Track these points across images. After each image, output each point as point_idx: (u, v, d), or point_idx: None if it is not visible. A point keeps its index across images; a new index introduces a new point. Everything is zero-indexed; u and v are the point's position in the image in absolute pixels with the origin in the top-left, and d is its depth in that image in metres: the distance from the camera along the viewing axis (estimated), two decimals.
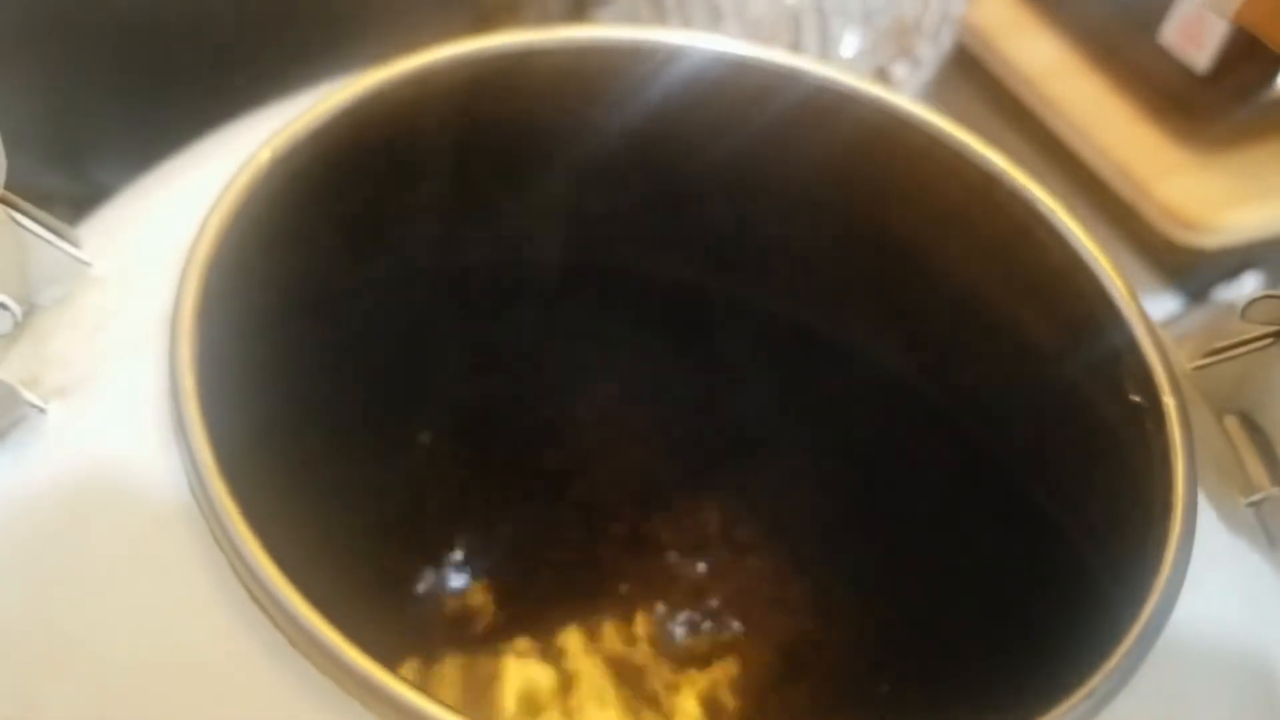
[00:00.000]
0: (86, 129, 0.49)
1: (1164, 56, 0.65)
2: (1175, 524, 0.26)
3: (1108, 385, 0.31)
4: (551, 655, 0.37)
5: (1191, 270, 0.65)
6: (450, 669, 0.34)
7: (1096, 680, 0.24)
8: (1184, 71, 0.64)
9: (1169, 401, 0.28)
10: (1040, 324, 0.34)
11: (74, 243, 0.29)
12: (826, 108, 0.35)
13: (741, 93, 0.37)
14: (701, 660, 0.39)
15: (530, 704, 0.36)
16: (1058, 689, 0.24)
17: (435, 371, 0.37)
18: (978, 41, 0.70)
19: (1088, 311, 0.31)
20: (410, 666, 0.35)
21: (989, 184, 0.33)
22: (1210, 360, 0.32)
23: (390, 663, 0.22)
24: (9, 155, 0.26)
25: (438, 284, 0.38)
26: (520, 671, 0.35)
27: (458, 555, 0.37)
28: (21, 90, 0.46)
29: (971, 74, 0.70)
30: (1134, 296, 0.31)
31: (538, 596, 0.38)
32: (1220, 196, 0.63)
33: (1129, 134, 0.66)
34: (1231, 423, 0.32)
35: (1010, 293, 0.35)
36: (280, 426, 0.32)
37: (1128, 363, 0.30)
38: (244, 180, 0.28)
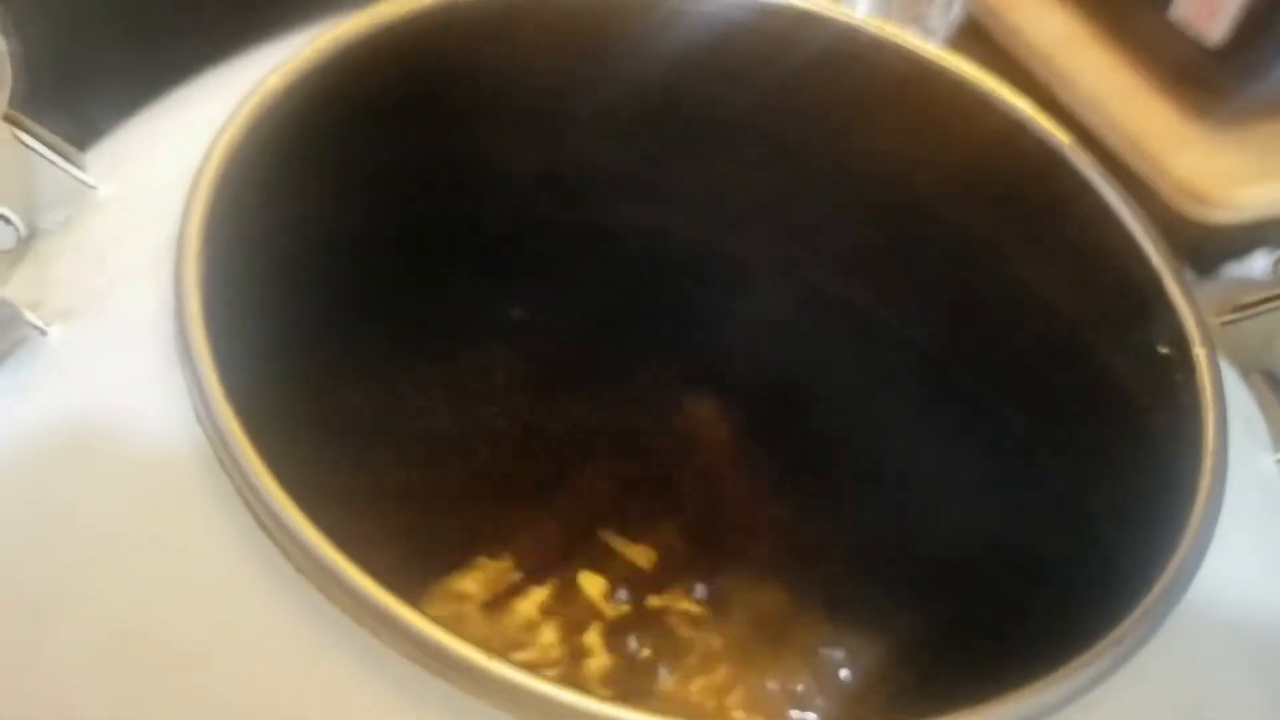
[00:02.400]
0: (88, 72, 0.48)
1: (1177, 30, 0.64)
2: (1205, 476, 0.26)
3: (1136, 339, 0.31)
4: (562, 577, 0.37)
5: (1202, 247, 0.64)
6: (459, 593, 0.33)
7: (1121, 631, 0.24)
8: (1197, 45, 0.63)
9: (1200, 352, 0.28)
10: (1066, 279, 0.33)
11: (80, 166, 0.28)
12: (850, 54, 0.35)
13: (761, 39, 0.36)
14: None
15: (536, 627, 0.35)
16: (1084, 642, 0.23)
17: (437, 301, 0.37)
18: (988, 13, 0.69)
19: (1116, 263, 0.31)
20: (419, 592, 0.35)
21: (1016, 131, 0.32)
22: (1237, 316, 0.31)
23: (397, 590, 0.21)
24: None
25: (436, 224, 0.37)
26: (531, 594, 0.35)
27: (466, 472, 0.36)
28: (23, 30, 0.45)
29: (982, 46, 0.69)
30: (1163, 247, 0.30)
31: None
32: (1233, 172, 0.62)
33: (1141, 108, 0.65)
34: (1258, 381, 0.32)
35: (1034, 247, 0.34)
36: (286, 350, 0.31)
37: (1157, 314, 0.29)
38: (253, 105, 0.27)
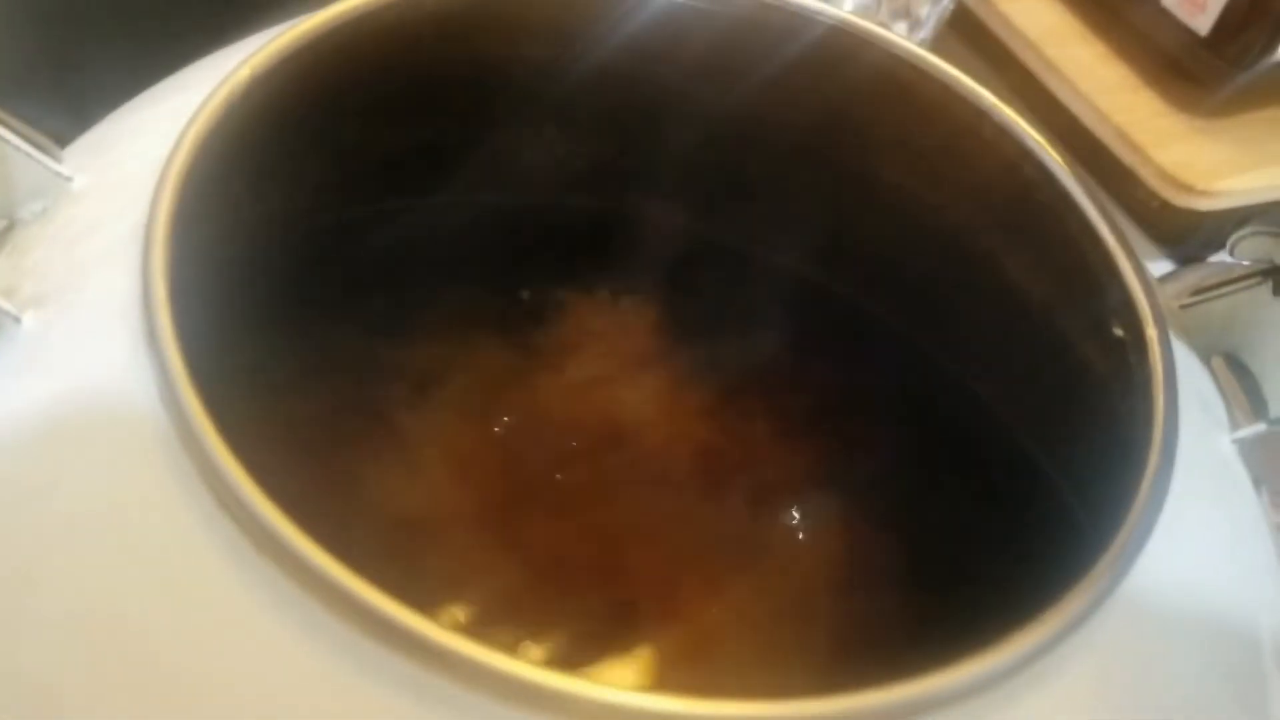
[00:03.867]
0: (76, 68, 0.48)
1: (1165, 20, 0.64)
2: (1153, 453, 0.26)
3: (1091, 321, 0.31)
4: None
5: (1187, 237, 0.65)
6: (425, 571, 0.34)
7: (1064, 607, 0.24)
8: (1185, 35, 0.64)
9: (1151, 333, 0.28)
10: (1025, 263, 0.34)
11: (56, 158, 0.29)
12: (824, 47, 0.35)
13: (738, 33, 0.36)
14: None
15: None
16: (1024, 621, 0.24)
17: (411, 293, 0.37)
18: (978, 2, 0.69)
19: (1073, 247, 0.31)
20: (380, 570, 0.35)
21: (978, 120, 0.33)
22: (1198, 299, 0.32)
23: (361, 568, 0.22)
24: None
25: (412, 217, 0.37)
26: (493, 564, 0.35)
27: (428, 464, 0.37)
28: (12, 26, 0.46)
29: (971, 35, 0.70)
30: (1119, 232, 0.30)
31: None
32: (1219, 161, 0.63)
33: (1128, 99, 0.65)
34: (1219, 364, 0.32)
35: (996, 232, 0.35)
36: (254, 340, 0.31)
37: (1112, 297, 0.30)
38: (223, 95, 0.28)
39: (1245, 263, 0.31)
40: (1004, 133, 0.32)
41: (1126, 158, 0.64)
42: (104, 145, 0.31)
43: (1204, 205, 0.62)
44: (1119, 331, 0.29)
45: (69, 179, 0.29)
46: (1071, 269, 0.31)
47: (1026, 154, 0.32)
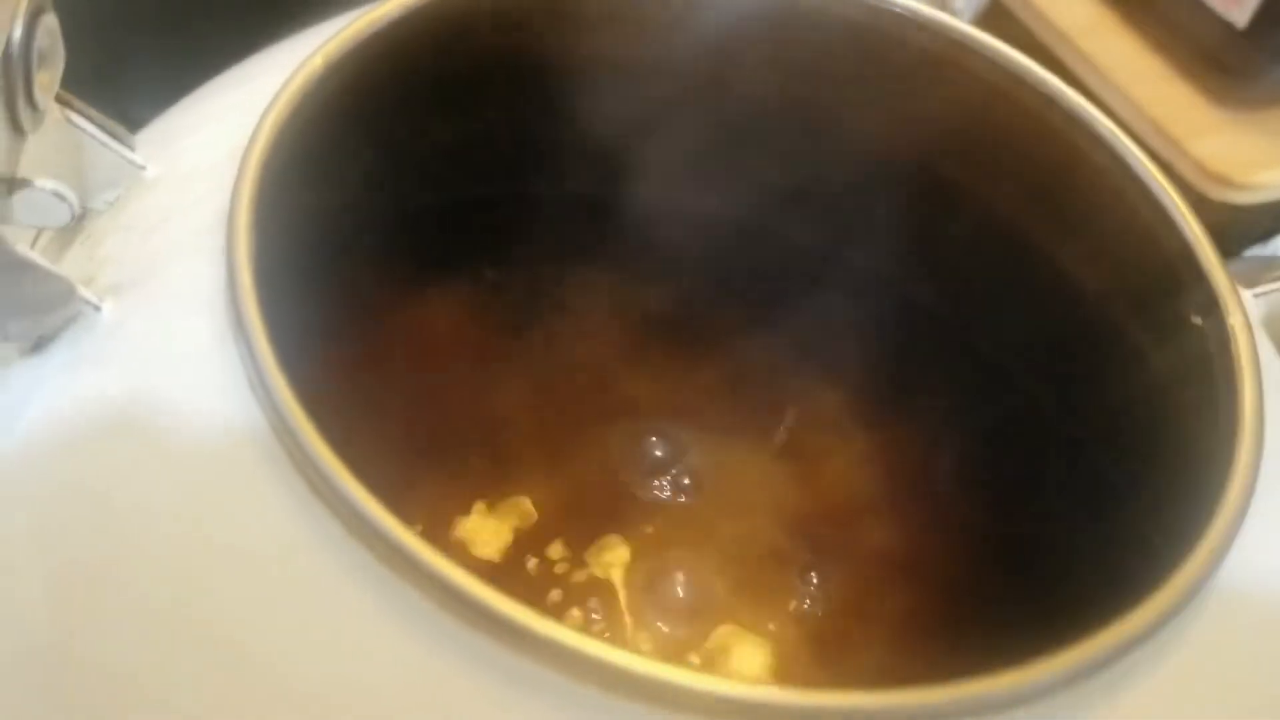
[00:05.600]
0: (124, 63, 0.48)
1: (1202, 12, 0.64)
2: (1243, 445, 0.26)
3: (1167, 312, 0.31)
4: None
5: (1225, 230, 0.64)
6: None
7: (1159, 599, 0.24)
8: (1222, 28, 0.63)
9: (1234, 322, 0.28)
10: (1092, 251, 0.34)
11: (129, 146, 0.28)
12: (880, 33, 0.35)
13: (791, 20, 0.36)
14: None
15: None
16: (1107, 619, 0.23)
17: (487, 280, 0.37)
18: None
19: (1146, 234, 0.31)
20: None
21: (1044, 106, 0.32)
22: (1271, 288, 0.31)
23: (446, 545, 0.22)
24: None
25: (476, 209, 0.37)
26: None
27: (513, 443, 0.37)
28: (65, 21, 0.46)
29: (1005, 27, 0.69)
30: (1193, 218, 0.30)
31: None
32: (1257, 154, 0.62)
33: (1165, 91, 0.65)
34: None
35: (1061, 221, 0.35)
36: (337, 327, 0.31)
37: (1189, 285, 0.29)
38: (298, 83, 0.28)
39: None
40: (1073, 120, 0.32)
41: (1162, 151, 0.63)
42: (172, 135, 0.31)
43: (1241, 199, 0.62)
44: (1197, 320, 0.29)
45: (142, 167, 0.28)
46: (1143, 258, 0.31)
47: (1093, 138, 0.32)
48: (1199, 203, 0.64)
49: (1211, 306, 0.29)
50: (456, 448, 0.36)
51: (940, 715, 0.21)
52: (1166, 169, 0.62)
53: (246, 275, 0.24)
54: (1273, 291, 0.31)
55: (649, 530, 0.38)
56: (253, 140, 0.27)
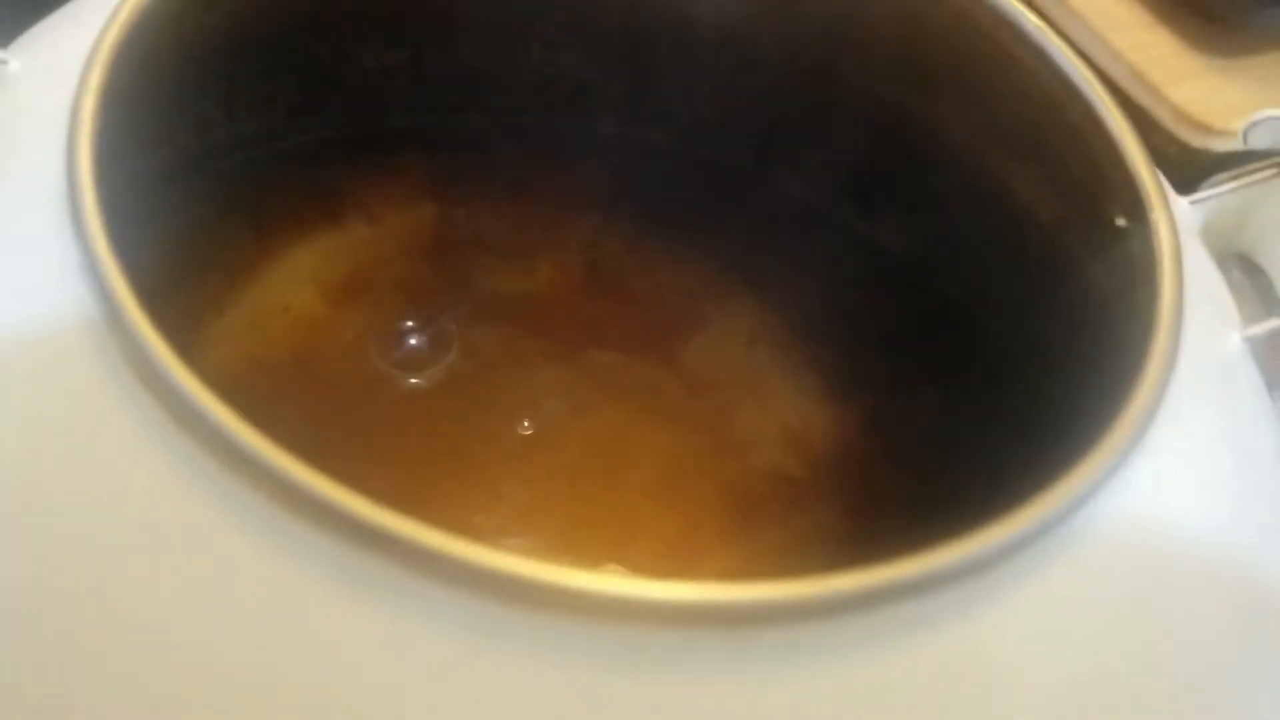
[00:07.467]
0: None
1: None
2: (1158, 338, 0.24)
3: (1094, 218, 0.29)
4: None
5: (1206, 177, 0.62)
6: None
7: (1056, 494, 0.22)
8: None
9: (1156, 218, 0.26)
10: (1022, 159, 0.32)
11: None
12: None
13: None
14: None
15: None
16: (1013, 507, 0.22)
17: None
18: None
19: (1074, 135, 0.29)
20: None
21: (974, 7, 0.31)
22: (1208, 194, 0.30)
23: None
24: None
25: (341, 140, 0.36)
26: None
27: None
28: None
29: None
30: (1122, 116, 0.29)
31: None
32: (1237, 100, 0.61)
33: (1143, 36, 0.63)
34: (1231, 264, 0.30)
35: (998, 134, 0.33)
36: (180, 221, 0.30)
37: (1113, 184, 0.28)
38: None
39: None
40: (1002, 21, 0.31)
41: (1141, 97, 0.62)
42: (45, 32, 0.29)
43: (1222, 145, 0.60)
44: (1121, 222, 0.27)
45: (4, 62, 0.27)
46: (1071, 160, 0.29)
47: (1024, 39, 0.30)
48: (1180, 151, 0.62)
49: (1134, 206, 0.27)
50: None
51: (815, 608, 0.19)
52: (1145, 117, 0.61)
53: (85, 156, 0.23)
54: (1210, 198, 0.30)
55: None
56: (104, 29, 0.25)
